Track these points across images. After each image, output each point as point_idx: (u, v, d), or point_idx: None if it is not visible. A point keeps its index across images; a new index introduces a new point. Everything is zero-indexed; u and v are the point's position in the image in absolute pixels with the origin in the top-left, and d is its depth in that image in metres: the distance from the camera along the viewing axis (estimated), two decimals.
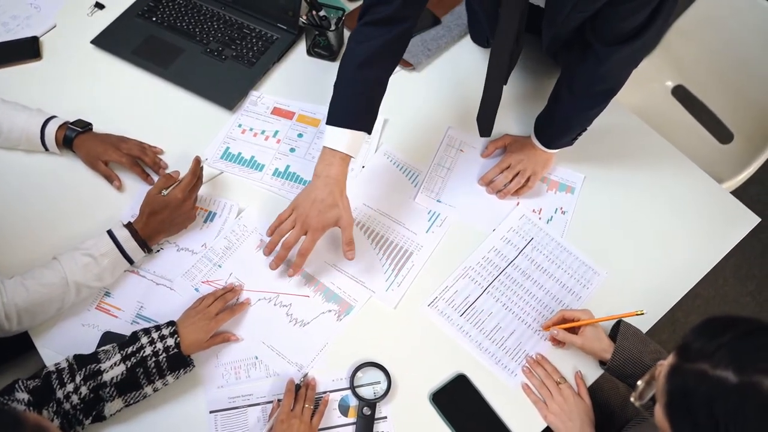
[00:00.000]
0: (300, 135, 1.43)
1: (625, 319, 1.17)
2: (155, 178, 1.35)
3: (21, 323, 1.10)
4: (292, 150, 1.41)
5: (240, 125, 1.43)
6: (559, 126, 1.32)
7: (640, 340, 1.15)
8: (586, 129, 1.33)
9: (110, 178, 1.33)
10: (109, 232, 1.16)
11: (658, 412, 0.74)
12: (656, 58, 1.86)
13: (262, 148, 1.41)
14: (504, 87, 1.28)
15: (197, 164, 1.22)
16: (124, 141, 1.34)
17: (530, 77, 1.53)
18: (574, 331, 1.17)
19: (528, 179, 1.36)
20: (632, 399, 0.81)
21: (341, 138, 1.17)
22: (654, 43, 1.23)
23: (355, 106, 1.18)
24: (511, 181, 1.36)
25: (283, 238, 1.19)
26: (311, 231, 1.16)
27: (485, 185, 1.38)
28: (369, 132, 1.20)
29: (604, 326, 1.19)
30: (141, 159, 1.34)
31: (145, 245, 1.19)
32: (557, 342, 1.21)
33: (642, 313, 1.13)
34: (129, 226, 1.18)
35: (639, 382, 0.80)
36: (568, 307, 1.25)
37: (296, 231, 1.17)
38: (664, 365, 0.74)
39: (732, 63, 1.72)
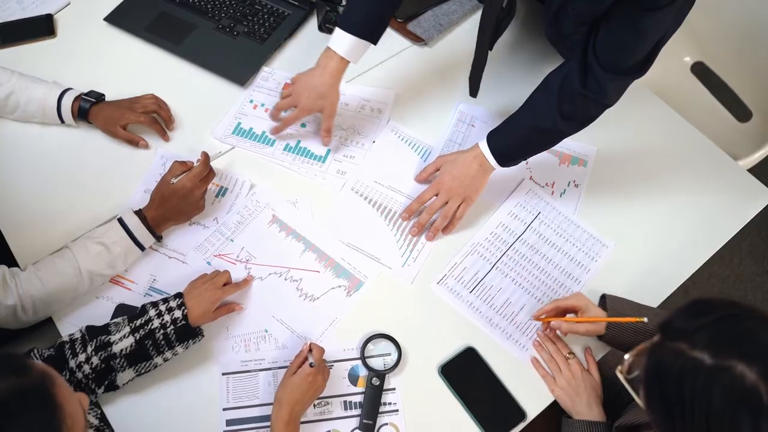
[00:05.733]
0: None
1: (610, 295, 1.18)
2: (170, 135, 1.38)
3: (36, 314, 1.12)
4: (303, 125, 1.41)
5: (251, 101, 1.44)
6: (528, 136, 1.22)
7: (631, 307, 1.15)
8: (537, 153, 1.28)
9: (133, 141, 1.34)
10: (120, 220, 1.17)
11: (640, 390, 0.76)
12: (676, 33, 1.82)
13: (273, 124, 1.41)
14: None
15: (206, 157, 1.22)
16: (136, 101, 1.36)
17: (530, 60, 1.51)
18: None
19: (459, 207, 1.26)
20: (618, 372, 0.81)
21: (344, 42, 1.25)
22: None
23: (366, 17, 1.25)
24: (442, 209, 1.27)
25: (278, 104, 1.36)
26: (298, 109, 1.31)
27: (406, 220, 1.30)
28: (374, 43, 1.28)
29: (591, 296, 1.18)
30: (158, 113, 1.36)
31: (154, 232, 1.20)
32: (548, 328, 1.18)
33: (643, 321, 1.08)
34: (139, 213, 1.19)
35: (626, 356, 0.80)
36: (577, 281, 1.25)
37: (288, 101, 1.33)
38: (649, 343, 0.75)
39: (753, 39, 1.68)
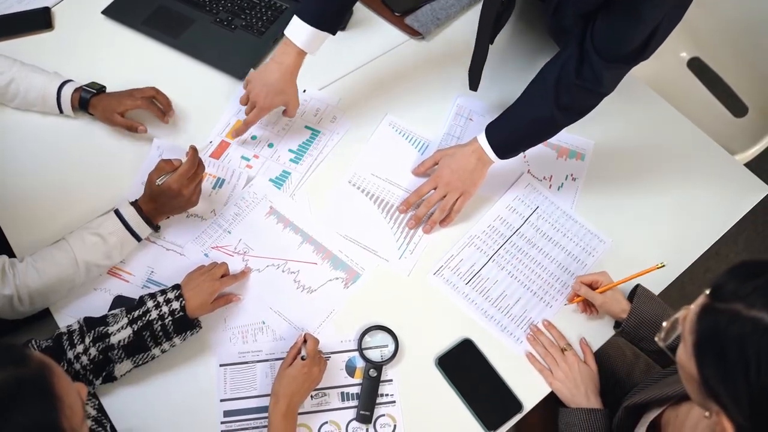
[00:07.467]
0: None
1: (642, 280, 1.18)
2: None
3: (33, 305, 1.12)
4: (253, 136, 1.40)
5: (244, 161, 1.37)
6: (526, 127, 1.23)
7: (658, 305, 1.16)
8: (537, 143, 1.29)
9: (132, 127, 1.33)
10: (116, 211, 1.17)
11: (682, 353, 0.74)
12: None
13: (276, 164, 1.36)
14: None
15: (194, 153, 1.19)
16: (136, 90, 1.36)
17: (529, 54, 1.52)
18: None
19: (456, 201, 1.27)
20: (656, 339, 0.81)
21: (303, 33, 1.22)
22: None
23: (326, 7, 1.22)
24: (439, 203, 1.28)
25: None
26: (257, 108, 1.29)
27: (404, 213, 1.31)
28: (333, 33, 1.24)
29: (623, 289, 1.20)
30: (156, 98, 1.36)
31: (151, 223, 1.20)
32: (585, 308, 1.21)
33: (662, 266, 1.13)
34: (135, 203, 1.19)
35: (664, 323, 0.80)
36: (573, 275, 1.25)
37: (249, 105, 1.31)
38: (691, 308, 0.74)
39: (749, 35, 1.69)
